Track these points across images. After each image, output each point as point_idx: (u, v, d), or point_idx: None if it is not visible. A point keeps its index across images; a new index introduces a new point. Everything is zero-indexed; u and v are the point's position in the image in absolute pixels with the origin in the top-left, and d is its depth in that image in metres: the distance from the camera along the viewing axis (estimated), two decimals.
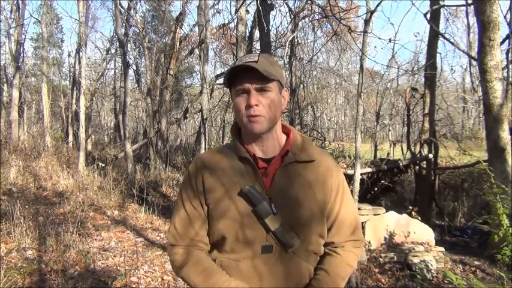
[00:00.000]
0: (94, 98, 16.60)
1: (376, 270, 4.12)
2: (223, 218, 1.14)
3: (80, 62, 11.17)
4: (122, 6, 10.97)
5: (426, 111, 7.32)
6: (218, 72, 16.67)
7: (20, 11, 12.40)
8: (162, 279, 3.82)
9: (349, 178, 4.92)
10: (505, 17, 7.86)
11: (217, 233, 1.15)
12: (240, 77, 1.13)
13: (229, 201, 1.14)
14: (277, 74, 1.14)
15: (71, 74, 16.94)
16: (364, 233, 4.49)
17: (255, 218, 1.13)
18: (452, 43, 7.80)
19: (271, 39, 6.80)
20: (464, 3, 9.00)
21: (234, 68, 1.13)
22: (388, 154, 10.47)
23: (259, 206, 1.11)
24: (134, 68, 15.20)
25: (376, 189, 7.01)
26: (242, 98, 1.13)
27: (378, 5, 4.72)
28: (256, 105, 1.11)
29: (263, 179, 1.15)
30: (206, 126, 6.37)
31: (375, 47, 23.27)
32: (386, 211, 4.75)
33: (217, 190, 1.16)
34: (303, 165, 1.18)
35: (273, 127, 1.16)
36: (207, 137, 6.57)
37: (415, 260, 4.21)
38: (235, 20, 5.60)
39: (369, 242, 4.46)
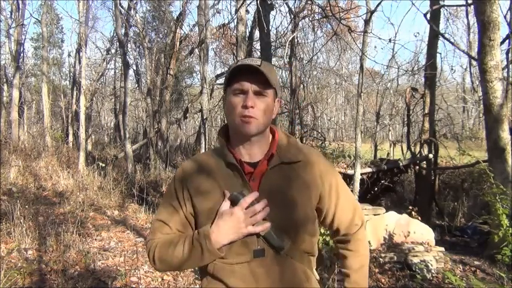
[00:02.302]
0: (94, 98, 16.59)
1: (376, 270, 4.12)
2: None
3: (80, 62, 11.18)
4: (122, 7, 10.99)
5: (426, 111, 7.32)
6: (218, 72, 16.71)
7: (20, 11, 12.42)
8: (162, 279, 3.82)
9: (349, 178, 4.93)
10: (505, 17, 7.85)
11: None
12: (239, 78, 1.12)
13: None
14: (275, 83, 1.15)
15: (71, 74, 16.94)
16: None
17: None
18: (452, 43, 7.82)
19: (271, 39, 6.81)
20: (464, 3, 8.99)
21: (237, 66, 1.12)
22: (388, 154, 10.50)
23: None
24: (134, 68, 15.24)
25: (376, 189, 7.02)
26: (238, 98, 1.12)
27: (378, 5, 4.74)
28: (252, 106, 1.10)
29: (250, 183, 1.15)
30: (206, 126, 6.38)
31: (375, 47, 23.31)
32: (387, 211, 4.75)
33: (207, 200, 1.15)
34: (290, 166, 1.18)
35: (262, 132, 1.16)
36: (207, 137, 6.58)
37: (415, 260, 4.21)
38: (235, 20, 5.61)
39: (369, 242, 4.44)
